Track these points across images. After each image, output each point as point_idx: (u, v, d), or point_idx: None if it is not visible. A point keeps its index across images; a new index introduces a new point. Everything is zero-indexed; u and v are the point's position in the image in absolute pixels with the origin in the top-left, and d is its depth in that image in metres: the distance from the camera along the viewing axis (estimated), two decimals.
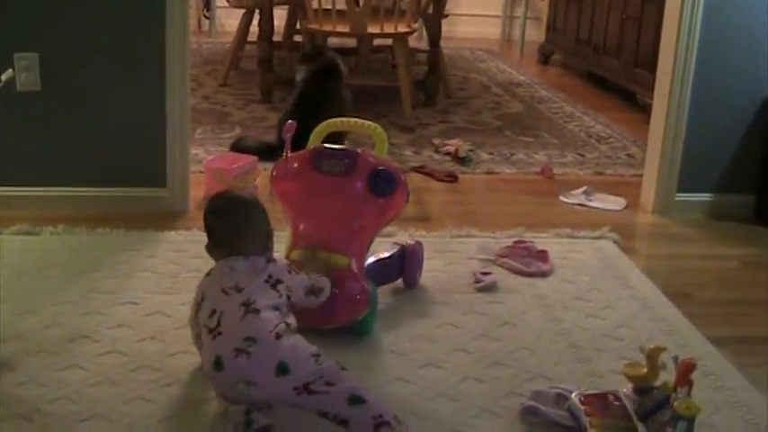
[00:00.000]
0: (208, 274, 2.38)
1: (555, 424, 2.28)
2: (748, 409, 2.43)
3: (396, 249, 3.00)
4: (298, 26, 5.84)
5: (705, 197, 4.00)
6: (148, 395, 2.33)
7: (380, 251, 2.96)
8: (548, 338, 2.76)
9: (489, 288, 3.07)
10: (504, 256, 3.29)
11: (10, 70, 3.40)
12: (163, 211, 3.61)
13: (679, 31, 3.78)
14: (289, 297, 2.33)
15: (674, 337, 2.79)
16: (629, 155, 4.87)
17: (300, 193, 2.81)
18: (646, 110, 4.90)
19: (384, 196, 2.78)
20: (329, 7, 5.14)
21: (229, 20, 7.79)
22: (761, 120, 3.93)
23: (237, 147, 4.36)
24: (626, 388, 2.29)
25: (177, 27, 3.50)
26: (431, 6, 5.66)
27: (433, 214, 3.84)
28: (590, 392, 2.31)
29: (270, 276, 2.32)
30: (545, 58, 7.76)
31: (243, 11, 6.09)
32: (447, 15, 6.12)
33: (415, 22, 5.47)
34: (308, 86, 4.54)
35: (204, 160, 4.06)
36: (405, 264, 3.01)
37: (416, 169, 4.39)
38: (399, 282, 3.03)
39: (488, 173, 4.46)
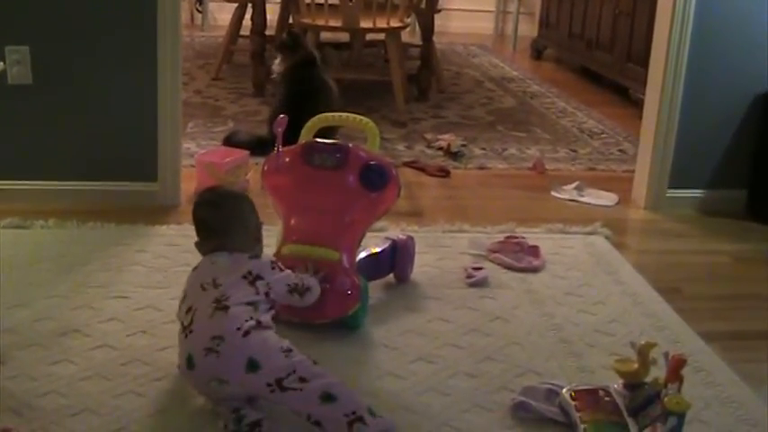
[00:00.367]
0: (194, 269, 2.39)
1: (546, 419, 2.28)
2: (738, 404, 2.43)
3: (387, 244, 3.00)
4: (290, 20, 5.82)
5: (697, 193, 4.01)
6: (139, 389, 2.33)
7: (372, 246, 2.95)
8: (539, 334, 2.76)
9: (481, 283, 3.07)
10: (495, 252, 3.29)
11: (1, 63, 3.39)
12: (154, 205, 3.60)
13: (671, 27, 3.78)
14: (267, 294, 2.32)
15: (664, 333, 2.79)
16: (621, 150, 4.88)
17: (292, 188, 2.81)
18: (638, 105, 4.90)
19: (376, 191, 2.78)
20: (321, 1, 5.13)
21: (222, 14, 7.79)
22: (753, 116, 3.94)
23: (230, 141, 4.36)
24: (617, 383, 2.30)
25: (169, 21, 3.49)
26: (423, 1, 5.65)
27: (424, 209, 3.84)
28: (581, 388, 2.31)
29: (249, 272, 2.32)
30: (538, 53, 7.76)
31: (235, 5, 6.08)
32: (440, 10, 6.13)
33: (408, 16, 5.46)
34: (293, 79, 4.52)
35: (196, 154, 4.05)
36: (396, 258, 3.01)
37: (408, 164, 4.39)
38: (391, 276, 3.03)
39: (480, 168, 4.46)
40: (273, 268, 2.40)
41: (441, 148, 4.63)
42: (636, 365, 2.26)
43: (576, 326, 2.82)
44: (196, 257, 2.44)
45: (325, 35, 5.66)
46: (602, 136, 5.17)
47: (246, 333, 2.15)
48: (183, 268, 2.40)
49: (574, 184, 4.16)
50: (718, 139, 3.97)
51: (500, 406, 2.34)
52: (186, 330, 2.22)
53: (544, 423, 2.27)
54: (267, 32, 5.64)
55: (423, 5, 5.68)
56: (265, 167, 2.88)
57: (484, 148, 4.77)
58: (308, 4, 5.13)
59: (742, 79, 3.90)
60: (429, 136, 4.84)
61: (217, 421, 2.15)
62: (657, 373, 2.23)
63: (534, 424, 2.27)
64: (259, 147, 4.05)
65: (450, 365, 2.54)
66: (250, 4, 5.75)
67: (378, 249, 2.96)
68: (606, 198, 4.08)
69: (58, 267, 3.02)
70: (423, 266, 3.14)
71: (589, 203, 4.02)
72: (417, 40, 6.22)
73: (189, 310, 2.25)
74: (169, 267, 3.02)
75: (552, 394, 2.32)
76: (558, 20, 7.28)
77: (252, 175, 3.85)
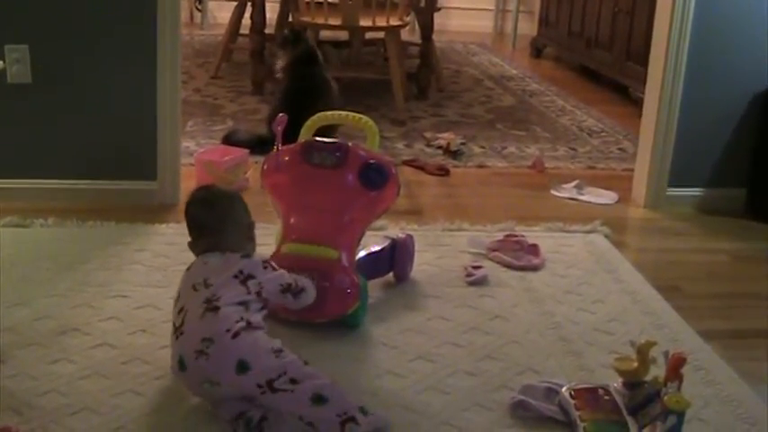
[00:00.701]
0: (187, 270, 2.39)
1: (545, 418, 2.28)
2: (738, 403, 2.43)
3: (387, 243, 3.00)
4: (290, 18, 5.82)
5: (696, 191, 4.01)
6: (138, 388, 2.33)
7: (371, 244, 2.95)
8: (538, 332, 2.76)
9: (480, 282, 3.07)
10: (495, 250, 3.29)
11: (0, 62, 3.39)
12: (153, 203, 3.60)
13: (671, 25, 3.78)
14: (259, 293, 2.31)
15: (664, 331, 2.79)
16: (620, 149, 4.88)
17: (291, 186, 2.81)
18: (638, 103, 4.90)
19: (375, 189, 2.78)
20: (321, 0, 5.13)
21: (221, 12, 7.78)
22: (752, 114, 3.94)
23: (230, 140, 4.36)
24: (616, 382, 2.30)
25: (169, 19, 3.49)
26: None
27: (424, 208, 3.84)
28: (580, 387, 2.32)
29: (240, 272, 2.31)
30: (537, 52, 7.75)
31: (235, 3, 6.08)
32: (439, 8, 6.13)
33: (408, 15, 5.46)
34: (294, 77, 4.53)
35: (195, 153, 4.05)
36: (396, 257, 3.01)
37: (408, 162, 4.39)
38: (390, 275, 3.03)
39: (480, 166, 4.46)
40: (266, 267, 2.39)
41: (440, 147, 4.63)
42: (635, 364, 2.27)
43: (576, 324, 2.82)
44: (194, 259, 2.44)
45: (324, 33, 5.66)
46: (602, 134, 5.17)
47: (236, 334, 2.15)
48: (182, 267, 2.40)
49: (573, 183, 4.16)
50: (717, 137, 3.97)
51: (500, 405, 2.34)
52: (177, 332, 2.22)
53: (544, 422, 2.27)
54: (266, 31, 5.64)
55: (422, 4, 5.68)
56: (265, 166, 2.88)
57: (483, 147, 4.77)
58: (308, 3, 5.13)
59: (741, 77, 3.90)
60: (428, 134, 4.84)
61: (217, 424, 2.15)
62: (657, 371, 2.24)
63: (534, 423, 2.27)
64: (258, 145, 4.06)
65: (449, 364, 2.53)
66: (249, 3, 5.75)
67: (377, 248, 2.96)
68: (606, 196, 4.08)
69: (58, 266, 3.02)
70: (422, 265, 3.13)
71: (589, 202, 4.02)
72: (417, 38, 6.22)
73: (181, 310, 2.25)
74: (168, 266, 3.02)
75: (552, 393, 2.32)
76: (558, 18, 7.28)
77: (251, 173, 3.85)
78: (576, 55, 6.95)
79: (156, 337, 2.56)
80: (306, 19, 5.14)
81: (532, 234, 3.46)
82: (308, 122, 2.96)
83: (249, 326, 2.18)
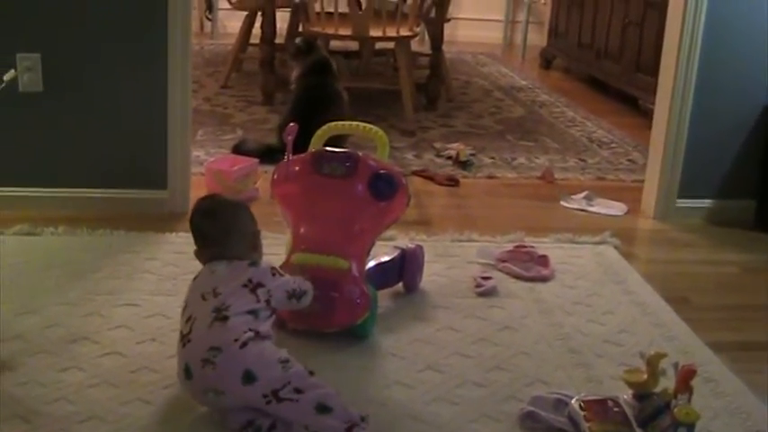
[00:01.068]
0: (195, 279, 2.39)
1: (554, 429, 2.27)
2: (747, 415, 2.42)
3: (396, 253, 3.00)
4: (300, 29, 5.83)
5: (706, 203, 4.00)
6: (147, 397, 2.33)
7: (381, 255, 2.95)
8: (547, 343, 2.76)
9: (489, 292, 3.07)
10: (504, 261, 3.29)
11: (12, 71, 3.40)
12: (163, 212, 3.61)
13: (681, 37, 3.78)
14: (268, 302, 2.31)
15: (673, 343, 2.79)
16: (630, 160, 4.87)
17: (301, 196, 2.81)
18: (647, 115, 4.90)
19: (385, 199, 2.77)
20: (331, 10, 5.14)
21: (231, 22, 7.80)
22: (762, 126, 3.93)
23: (239, 149, 4.37)
24: (626, 394, 2.29)
25: (179, 29, 3.50)
26: (433, 10, 5.66)
27: (433, 218, 3.84)
28: (590, 398, 2.31)
29: (250, 280, 2.31)
30: (547, 63, 7.75)
31: (245, 13, 6.09)
32: (449, 19, 6.13)
33: (418, 25, 5.47)
34: (305, 87, 4.54)
35: (205, 162, 4.06)
36: (405, 267, 3.01)
37: (417, 173, 4.39)
38: (399, 285, 3.03)
39: (489, 177, 4.46)
40: (274, 275, 2.39)
41: (450, 158, 4.63)
42: (645, 376, 2.26)
43: (585, 336, 2.82)
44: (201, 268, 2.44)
45: (334, 44, 5.67)
46: (612, 145, 5.17)
47: (244, 344, 2.14)
48: (192, 276, 2.40)
49: (583, 194, 4.15)
50: (727, 148, 3.97)
51: (508, 416, 2.33)
52: (184, 339, 2.22)
53: None
54: (277, 41, 5.64)
55: (432, 14, 5.69)
56: (275, 176, 2.88)
57: (493, 158, 4.77)
58: (318, 13, 5.14)
59: (752, 89, 3.90)
60: (438, 145, 4.84)
61: None
62: (667, 383, 2.23)
63: None
64: (268, 155, 4.06)
65: (458, 375, 2.53)
66: (260, 13, 5.76)
67: (387, 258, 2.96)
68: (615, 208, 4.07)
69: (68, 274, 3.03)
70: (431, 275, 3.13)
71: (598, 213, 4.01)
72: (427, 49, 6.22)
73: (189, 319, 2.25)
74: (178, 275, 3.02)
75: (561, 404, 2.32)
76: (568, 29, 7.28)
77: (261, 183, 3.85)
78: (586, 66, 6.94)
79: (166, 346, 2.56)
80: (316, 29, 5.15)
81: (542, 245, 3.46)
82: (319, 132, 2.96)
83: (257, 335, 2.18)
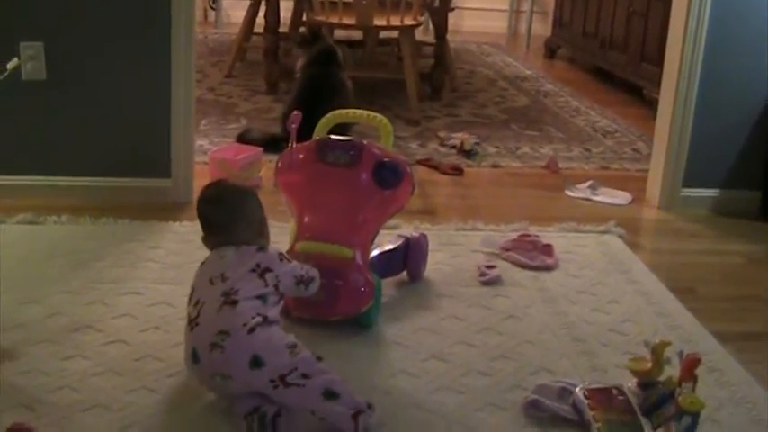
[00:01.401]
0: (202, 264, 2.38)
1: (559, 418, 2.27)
2: (752, 405, 2.42)
3: (400, 242, 2.99)
4: (304, 17, 5.82)
5: (711, 193, 4.00)
6: (151, 385, 2.33)
7: (385, 243, 2.95)
8: (552, 332, 2.75)
9: (494, 281, 3.06)
10: (508, 250, 3.28)
11: (15, 59, 3.40)
12: (167, 201, 3.60)
13: (686, 26, 3.77)
14: (276, 286, 2.31)
15: (678, 332, 2.78)
16: (635, 150, 4.86)
17: (305, 185, 2.80)
18: (652, 105, 4.89)
19: (389, 188, 2.77)
20: None
21: (235, 11, 7.79)
22: (767, 116, 3.92)
23: (243, 138, 4.36)
24: (630, 382, 2.29)
25: (183, 18, 3.49)
26: None
27: (438, 207, 3.83)
28: (594, 387, 2.31)
29: (258, 265, 2.31)
30: (551, 53, 7.74)
31: (249, 2, 6.09)
32: (453, 9, 6.11)
33: (422, 14, 5.46)
34: (309, 76, 4.53)
35: (209, 151, 4.06)
36: (409, 256, 3.01)
37: (422, 162, 4.38)
38: (404, 274, 3.02)
39: (494, 166, 4.46)
40: (282, 260, 2.39)
41: (454, 147, 4.63)
42: (650, 364, 2.25)
43: (590, 324, 2.81)
44: (208, 254, 2.43)
45: (338, 33, 5.66)
46: (616, 135, 5.16)
47: (252, 329, 2.14)
48: (196, 264, 2.40)
49: (587, 183, 4.15)
50: (732, 138, 3.96)
51: (513, 404, 2.33)
52: (192, 323, 2.22)
53: (557, 422, 2.26)
54: (280, 30, 5.64)
55: (436, 4, 5.68)
56: (279, 164, 2.88)
57: (497, 147, 4.76)
58: (322, 2, 5.12)
59: (757, 79, 3.89)
60: (442, 134, 4.83)
61: (234, 420, 2.16)
62: (671, 372, 2.23)
63: (547, 422, 2.27)
64: (272, 144, 4.06)
65: (462, 364, 2.53)
66: (263, 2, 5.74)
67: (391, 247, 2.95)
68: (620, 197, 4.07)
69: (71, 263, 3.03)
70: (436, 264, 3.13)
71: (603, 202, 4.01)
72: (431, 38, 6.20)
73: (197, 303, 2.25)
74: (182, 264, 3.01)
75: (565, 393, 2.32)
76: (572, 19, 7.27)
77: (264, 172, 3.85)
78: (590, 56, 6.93)
79: (170, 335, 2.56)
80: (320, 18, 5.14)
81: (546, 234, 3.46)
82: (323, 121, 2.95)
83: (265, 321, 2.18)
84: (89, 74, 3.51)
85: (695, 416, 2.11)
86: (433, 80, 5.71)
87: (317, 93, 4.31)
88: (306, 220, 2.75)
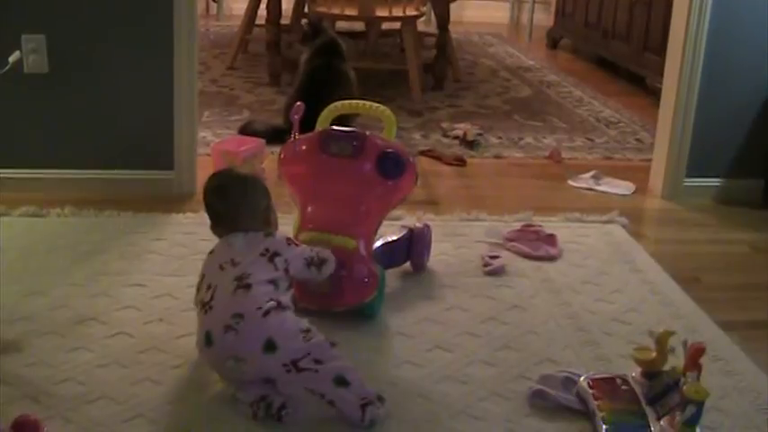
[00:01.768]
0: (211, 253, 2.39)
1: (563, 408, 2.27)
2: (757, 393, 2.42)
3: (404, 232, 2.99)
4: (305, 9, 5.81)
5: (714, 182, 3.99)
6: (156, 377, 2.33)
7: (389, 234, 2.95)
8: (556, 322, 2.75)
9: (498, 272, 3.06)
10: (512, 240, 3.28)
11: (17, 52, 3.40)
12: (170, 193, 3.61)
13: (689, 15, 3.76)
14: (287, 270, 2.32)
15: (682, 322, 2.78)
16: (638, 139, 4.86)
17: (308, 176, 2.80)
18: (655, 94, 4.87)
19: (392, 179, 2.76)
20: None
21: (237, 3, 7.77)
22: None
23: (246, 130, 4.36)
24: (634, 372, 2.29)
25: (185, 10, 3.49)
26: None
27: (441, 198, 3.83)
28: (598, 376, 2.31)
29: (266, 250, 2.32)
30: (554, 43, 7.73)
31: None
32: None
33: (424, 5, 5.46)
34: (312, 67, 4.53)
35: (212, 143, 4.06)
36: (413, 247, 3.01)
37: (425, 153, 4.38)
38: (407, 265, 3.02)
39: (497, 157, 4.45)
40: (289, 244, 2.40)
41: (457, 138, 4.62)
42: (654, 354, 2.26)
43: (594, 314, 2.81)
44: (213, 245, 2.43)
45: (340, 24, 5.65)
46: (619, 125, 5.16)
47: (266, 313, 2.16)
48: (199, 256, 2.40)
49: (591, 173, 4.14)
50: (735, 128, 3.95)
51: (517, 394, 2.33)
52: (206, 306, 2.23)
53: (561, 411, 2.27)
54: (282, 22, 5.63)
55: None
56: (282, 155, 2.88)
57: (500, 137, 4.76)
58: None
59: (760, 68, 3.88)
60: (445, 125, 4.83)
61: (239, 408, 2.17)
62: (676, 361, 2.23)
63: (552, 412, 2.27)
64: (275, 136, 4.06)
65: (467, 354, 2.53)
66: None
67: (394, 238, 2.95)
68: (623, 187, 4.06)
69: (75, 256, 3.03)
70: (439, 255, 3.13)
71: (606, 192, 4.00)
72: (433, 29, 6.19)
73: (209, 287, 2.26)
74: (186, 255, 3.02)
75: (570, 383, 2.32)
76: (575, 9, 7.25)
77: (267, 163, 3.85)
78: (593, 46, 6.92)
79: (174, 327, 2.56)
80: (322, 9, 5.14)
81: (550, 224, 3.45)
82: (326, 112, 2.95)
83: (279, 305, 2.20)
84: (91, 66, 3.51)
85: (700, 405, 2.10)
86: (435, 71, 5.71)
87: (320, 84, 4.31)
88: (309, 210, 2.75)
